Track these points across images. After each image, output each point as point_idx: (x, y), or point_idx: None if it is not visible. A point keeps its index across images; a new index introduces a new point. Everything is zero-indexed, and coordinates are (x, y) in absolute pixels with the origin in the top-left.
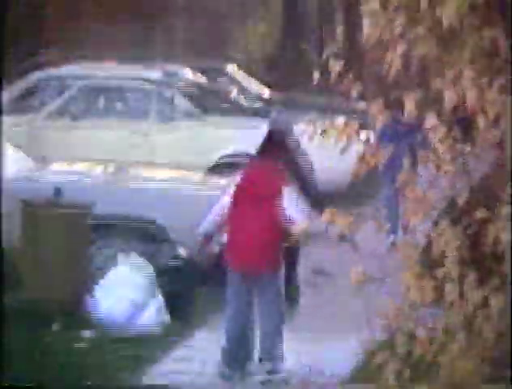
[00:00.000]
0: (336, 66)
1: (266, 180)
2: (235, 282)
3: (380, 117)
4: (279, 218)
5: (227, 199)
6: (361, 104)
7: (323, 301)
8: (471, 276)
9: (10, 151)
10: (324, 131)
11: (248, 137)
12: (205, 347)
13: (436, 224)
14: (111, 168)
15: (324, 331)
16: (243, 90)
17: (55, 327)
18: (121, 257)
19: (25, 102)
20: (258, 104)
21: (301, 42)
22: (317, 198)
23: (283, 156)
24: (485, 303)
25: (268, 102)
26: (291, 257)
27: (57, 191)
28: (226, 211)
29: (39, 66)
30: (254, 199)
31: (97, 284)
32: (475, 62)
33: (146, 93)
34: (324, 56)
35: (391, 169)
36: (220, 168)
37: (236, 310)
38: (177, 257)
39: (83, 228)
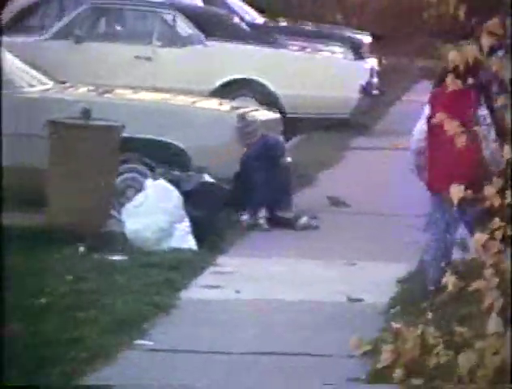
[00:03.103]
0: None
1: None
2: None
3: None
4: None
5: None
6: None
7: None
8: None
9: (33, 73)
10: None
11: (250, 63)
12: (233, 273)
13: None
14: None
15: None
16: (237, 15)
17: (81, 249)
18: (147, 181)
19: (25, 22)
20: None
21: None
22: None
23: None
24: None
25: (262, 28)
26: None
27: (86, 112)
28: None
29: None
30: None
31: (124, 207)
32: None
33: (148, 16)
34: None
35: None
36: (222, 93)
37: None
38: (203, 182)
39: (113, 150)
